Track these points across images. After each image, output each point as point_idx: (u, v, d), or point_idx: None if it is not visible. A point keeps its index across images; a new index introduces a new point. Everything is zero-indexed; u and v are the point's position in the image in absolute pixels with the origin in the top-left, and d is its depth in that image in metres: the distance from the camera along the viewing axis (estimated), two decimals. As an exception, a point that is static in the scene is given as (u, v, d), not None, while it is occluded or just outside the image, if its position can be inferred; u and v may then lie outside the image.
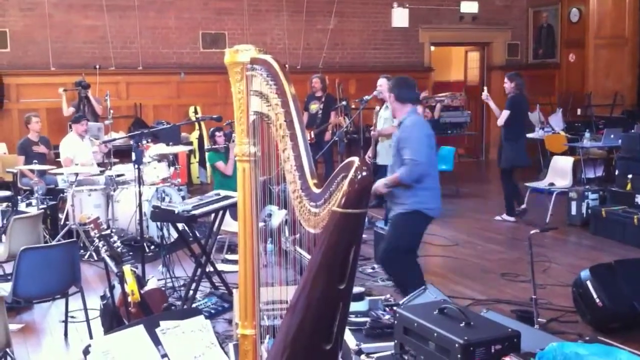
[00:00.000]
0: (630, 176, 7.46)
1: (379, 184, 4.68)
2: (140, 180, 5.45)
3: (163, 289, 4.99)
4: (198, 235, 5.63)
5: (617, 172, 8.05)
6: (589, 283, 4.74)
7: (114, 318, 4.05)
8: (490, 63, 13.70)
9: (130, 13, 10.81)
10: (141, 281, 4.17)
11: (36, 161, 7.47)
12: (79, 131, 8.10)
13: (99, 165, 8.33)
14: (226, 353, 2.73)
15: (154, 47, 11.08)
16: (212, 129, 7.80)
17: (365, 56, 12.47)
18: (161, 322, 2.45)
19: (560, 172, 8.50)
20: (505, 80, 8.73)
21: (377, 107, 8.46)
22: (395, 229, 4.75)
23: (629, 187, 7.49)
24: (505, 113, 8.20)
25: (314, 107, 9.49)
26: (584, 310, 4.80)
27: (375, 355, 2.92)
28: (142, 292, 3.85)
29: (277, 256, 5.08)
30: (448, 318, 2.74)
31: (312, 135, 9.08)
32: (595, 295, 4.67)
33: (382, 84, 7.70)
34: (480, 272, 6.20)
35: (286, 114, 2.34)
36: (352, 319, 3.21)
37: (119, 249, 3.84)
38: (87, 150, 8.12)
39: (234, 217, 5.99)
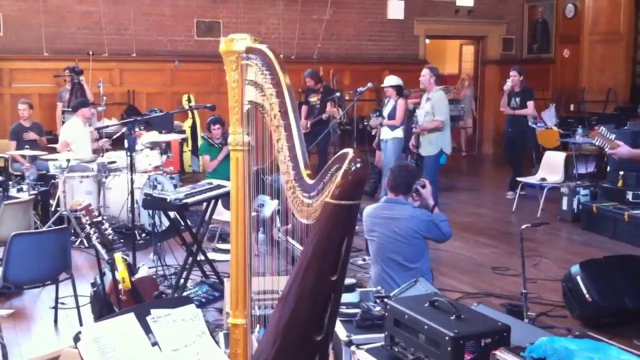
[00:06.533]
0: (621, 173, 7.50)
1: None
2: (132, 168, 5.43)
3: (154, 277, 4.99)
4: (190, 223, 5.62)
5: (608, 169, 8.09)
6: (578, 278, 4.76)
7: (105, 305, 4.04)
8: (485, 57, 13.71)
9: (124, -1, 10.75)
10: (132, 269, 4.16)
11: (28, 147, 7.43)
12: (86, 115, 8.06)
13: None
14: (217, 342, 2.73)
15: (148, 34, 11.02)
16: (210, 119, 7.68)
17: (360, 47, 12.44)
18: (152, 310, 2.44)
19: (552, 167, 8.53)
20: (515, 74, 8.93)
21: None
22: None
23: (620, 183, 7.53)
24: (532, 104, 8.99)
25: (314, 99, 9.49)
26: (573, 305, 4.82)
27: (366, 347, 2.92)
28: (132, 279, 3.84)
29: (269, 246, 5.08)
30: (438, 311, 2.75)
31: (308, 126, 9.07)
32: (584, 291, 4.70)
33: (425, 74, 7.70)
34: (471, 266, 6.23)
35: (281, 104, 2.33)
36: (343, 310, 3.21)
37: (110, 236, 3.82)
38: (87, 136, 8.07)
39: (226, 206, 5.99)
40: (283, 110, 2.32)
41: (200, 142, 8.77)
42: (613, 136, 4.34)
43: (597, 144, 4.50)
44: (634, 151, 4.45)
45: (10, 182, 7.35)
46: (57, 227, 5.38)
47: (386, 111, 8.16)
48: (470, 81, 13.04)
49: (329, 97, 9.47)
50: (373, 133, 11.07)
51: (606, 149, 4.43)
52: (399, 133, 8.07)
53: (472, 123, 13.47)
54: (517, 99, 9.03)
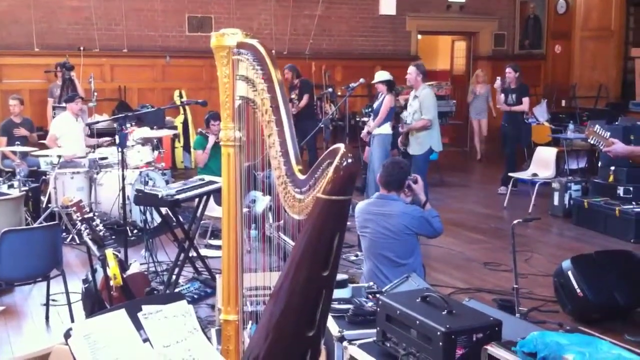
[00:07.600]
0: (612, 168, 7.51)
1: None
2: (123, 164, 5.41)
3: (146, 273, 4.97)
4: (181, 220, 5.61)
5: (599, 164, 8.11)
6: (570, 273, 4.78)
7: (96, 302, 4.03)
8: (477, 53, 13.72)
9: (115, -6, 10.70)
10: (123, 265, 4.15)
11: (18, 143, 7.39)
12: (74, 110, 8.01)
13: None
14: (209, 338, 2.72)
15: (140, 30, 10.98)
16: (210, 115, 7.55)
17: (352, 43, 12.43)
18: (143, 307, 2.43)
19: (543, 162, 8.56)
20: (510, 70, 9.01)
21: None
22: None
23: (611, 178, 7.54)
24: (527, 100, 9.12)
25: (293, 96, 9.50)
26: (564, 300, 4.84)
27: (358, 342, 2.92)
28: (124, 276, 3.83)
29: (261, 242, 5.07)
30: (430, 306, 2.75)
31: None
32: (576, 286, 4.71)
33: (411, 72, 7.60)
34: (463, 261, 6.24)
35: (272, 99, 2.32)
36: (335, 305, 3.21)
37: (101, 233, 3.81)
38: (79, 131, 8.03)
39: (218, 202, 5.97)
40: (274, 105, 2.32)
41: (195, 137, 8.73)
42: (608, 134, 4.36)
43: (592, 142, 4.52)
44: (629, 148, 4.49)
45: (0, 179, 7.33)
46: (48, 224, 5.36)
47: (376, 107, 8.14)
48: (484, 77, 12.28)
49: (305, 91, 9.48)
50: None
51: (601, 147, 4.45)
52: (386, 129, 7.91)
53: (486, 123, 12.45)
54: (513, 96, 9.09)
